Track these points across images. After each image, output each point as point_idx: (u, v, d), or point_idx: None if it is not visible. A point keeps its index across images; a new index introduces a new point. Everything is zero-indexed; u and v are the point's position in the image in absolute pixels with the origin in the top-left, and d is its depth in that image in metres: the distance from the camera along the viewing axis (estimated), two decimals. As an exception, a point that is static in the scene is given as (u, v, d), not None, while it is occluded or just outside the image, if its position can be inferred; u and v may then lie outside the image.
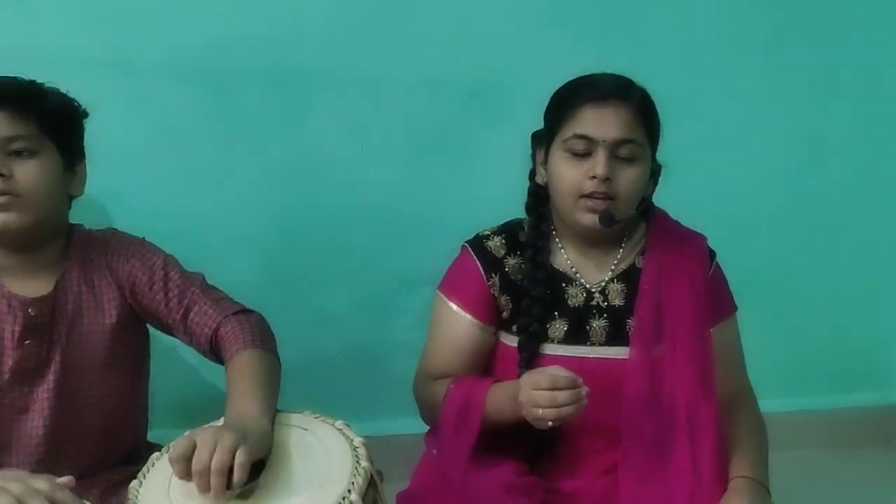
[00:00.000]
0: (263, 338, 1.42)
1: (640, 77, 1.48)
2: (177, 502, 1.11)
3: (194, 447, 1.10)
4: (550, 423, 1.27)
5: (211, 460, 1.08)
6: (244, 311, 1.46)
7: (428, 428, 1.53)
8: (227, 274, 1.84)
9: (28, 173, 1.35)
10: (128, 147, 1.84)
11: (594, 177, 1.37)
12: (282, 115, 1.97)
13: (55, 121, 1.40)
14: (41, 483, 1.08)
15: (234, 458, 1.08)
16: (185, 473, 1.10)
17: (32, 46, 1.75)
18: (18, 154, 1.35)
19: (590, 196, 1.38)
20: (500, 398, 1.37)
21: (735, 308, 1.55)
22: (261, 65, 1.93)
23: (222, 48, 1.90)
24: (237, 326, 1.41)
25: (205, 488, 1.08)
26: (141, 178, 1.88)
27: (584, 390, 1.26)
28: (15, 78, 1.39)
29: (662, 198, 1.57)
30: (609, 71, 1.48)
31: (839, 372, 2.39)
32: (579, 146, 1.39)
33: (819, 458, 2.27)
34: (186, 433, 1.15)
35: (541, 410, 1.26)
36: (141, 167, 1.88)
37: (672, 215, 1.56)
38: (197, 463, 1.08)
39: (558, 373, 1.28)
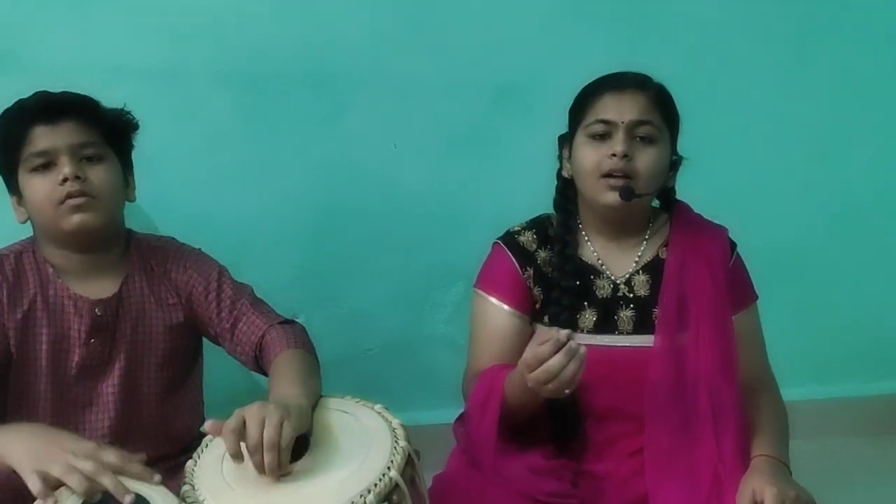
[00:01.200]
0: (305, 342, 1.51)
1: (664, 72, 1.53)
2: (229, 478, 1.18)
3: (244, 423, 1.15)
4: (567, 391, 1.30)
5: (262, 436, 1.13)
6: (288, 322, 1.55)
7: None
8: (270, 271, 1.93)
9: (99, 176, 1.45)
10: (176, 152, 1.91)
11: (614, 155, 1.44)
12: (319, 118, 2.03)
13: (115, 131, 1.51)
14: (111, 457, 1.16)
15: (281, 432, 1.14)
16: (237, 448, 1.15)
17: (88, 60, 1.83)
18: (89, 160, 1.44)
19: (610, 175, 1.45)
20: (515, 385, 1.39)
21: (756, 297, 1.59)
22: (299, 71, 2.00)
23: (263, 56, 1.97)
24: (281, 333, 1.50)
25: (259, 464, 1.13)
26: (188, 181, 1.95)
27: (574, 343, 1.28)
28: (74, 92, 1.49)
29: (687, 191, 1.62)
30: (633, 68, 1.53)
31: (866, 359, 2.40)
32: (600, 129, 1.47)
33: (847, 446, 2.28)
34: (235, 411, 1.21)
35: (550, 385, 1.29)
36: (188, 171, 1.95)
37: (697, 208, 1.61)
38: (249, 439, 1.14)
39: (540, 348, 1.29)
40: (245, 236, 2.00)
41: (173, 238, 1.64)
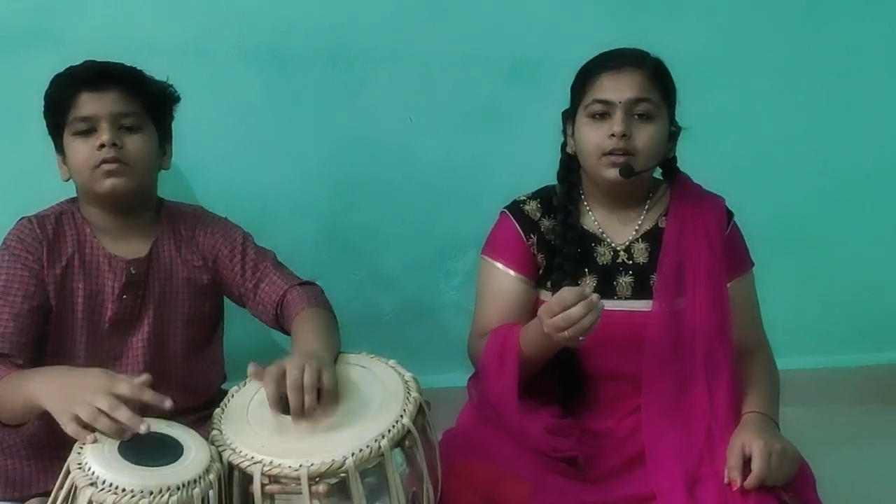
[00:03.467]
0: (323, 302, 1.61)
1: (672, 46, 1.59)
2: (254, 423, 1.29)
3: (283, 373, 1.26)
4: (581, 338, 1.38)
5: (303, 379, 1.24)
6: (307, 283, 1.65)
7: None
8: (292, 239, 2.00)
9: (135, 145, 1.54)
10: (202, 125, 1.93)
11: (613, 135, 1.51)
12: (338, 93, 2.08)
13: (156, 103, 1.60)
14: (124, 387, 1.24)
15: (319, 377, 1.25)
16: (276, 393, 1.25)
17: (120, 36, 1.89)
18: (128, 129, 1.53)
19: (611, 153, 1.52)
20: (532, 335, 1.49)
21: (751, 264, 1.66)
22: (319, 49, 2.05)
23: (286, 34, 2.03)
24: (301, 293, 1.59)
25: (298, 404, 1.22)
26: (214, 153, 2.00)
27: (595, 297, 1.36)
28: (121, 63, 1.58)
29: (693, 162, 1.67)
30: (643, 42, 1.59)
31: (871, 329, 2.42)
32: (599, 109, 1.53)
33: (850, 414, 2.31)
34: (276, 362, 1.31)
35: (566, 332, 1.37)
36: (214, 143, 2.00)
37: (703, 178, 1.66)
38: (292, 380, 1.23)
39: (565, 294, 1.37)
40: (267, 206, 2.07)
41: (201, 206, 1.74)
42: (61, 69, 1.59)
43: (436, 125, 2.14)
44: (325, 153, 2.11)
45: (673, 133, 1.61)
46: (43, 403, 1.28)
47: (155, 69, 1.64)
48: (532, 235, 1.62)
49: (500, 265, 1.62)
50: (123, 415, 1.21)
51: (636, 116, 1.53)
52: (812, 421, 1.95)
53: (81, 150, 1.52)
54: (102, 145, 1.50)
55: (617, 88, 1.53)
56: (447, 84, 2.12)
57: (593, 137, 1.54)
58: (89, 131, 1.52)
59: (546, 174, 1.71)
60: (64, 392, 1.26)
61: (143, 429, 1.21)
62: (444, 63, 2.11)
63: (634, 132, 1.52)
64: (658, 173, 1.67)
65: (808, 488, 1.46)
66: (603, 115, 1.54)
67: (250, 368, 1.32)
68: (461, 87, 2.13)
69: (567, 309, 1.36)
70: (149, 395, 1.26)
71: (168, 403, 1.26)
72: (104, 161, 1.51)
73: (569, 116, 1.63)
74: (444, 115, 2.14)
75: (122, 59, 1.61)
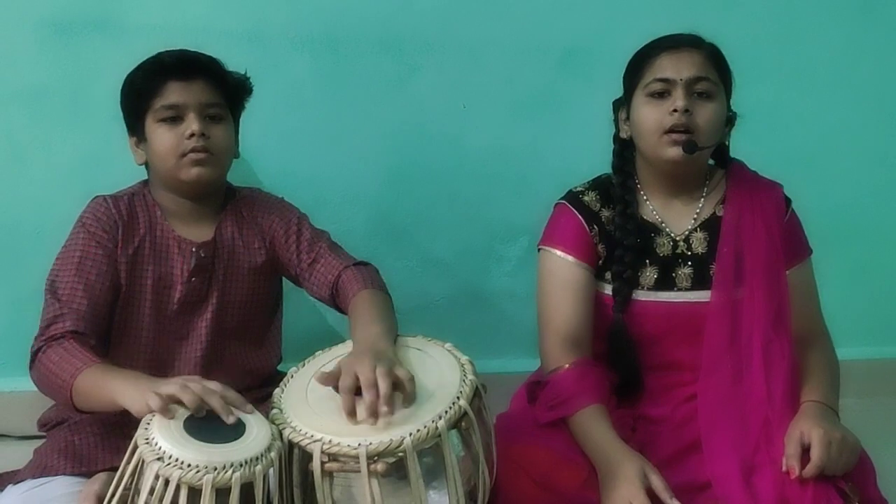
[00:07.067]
0: (379, 282, 1.62)
1: (727, 35, 1.57)
2: (313, 404, 1.31)
3: (356, 379, 1.25)
4: None
5: (377, 391, 1.23)
6: (362, 263, 1.66)
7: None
8: (344, 225, 2.03)
9: (220, 135, 1.56)
10: (255, 112, 1.91)
11: (675, 111, 1.49)
12: (390, 79, 2.10)
13: (235, 94, 1.62)
14: (214, 384, 1.28)
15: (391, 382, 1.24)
16: (352, 406, 1.24)
17: (177, 24, 1.94)
18: (212, 118, 1.56)
19: (672, 130, 1.50)
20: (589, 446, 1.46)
21: (810, 252, 1.63)
22: (371, 35, 2.07)
23: (337, 18, 2.04)
24: (357, 273, 1.61)
25: (373, 413, 1.22)
26: (266, 141, 2.02)
27: None
28: (206, 54, 1.60)
29: (752, 153, 1.65)
30: (697, 31, 1.58)
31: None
32: (658, 87, 1.52)
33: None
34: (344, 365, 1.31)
35: None
36: (266, 130, 2.00)
37: (761, 166, 1.65)
38: (369, 396, 1.22)
39: None
40: (319, 192, 2.09)
41: (258, 188, 1.76)
42: (122, 55, 1.62)
43: (487, 113, 2.15)
44: (377, 140, 2.13)
45: (729, 118, 1.60)
46: (123, 401, 1.30)
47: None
48: (594, 226, 1.61)
49: (559, 252, 1.61)
50: (216, 402, 1.24)
51: (696, 95, 1.52)
52: (871, 412, 1.92)
53: (167, 137, 1.54)
54: (192, 134, 1.52)
55: (677, 67, 1.52)
56: (499, 72, 2.13)
57: (654, 115, 1.52)
58: (175, 119, 1.54)
59: (597, 162, 1.70)
60: (147, 385, 1.28)
61: (231, 419, 1.23)
62: (496, 51, 2.12)
63: (695, 109, 1.51)
64: (711, 160, 1.65)
65: (868, 479, 1.44)
66: (662, 94, 1.52)
67: (319, 377, 1.32)
68: (513, 74, 2.13)
69: None
70: (234, 396, 1.28)
71: (249, 407, 1.28)
72: (193, 150, 1.53)
73: (622, 104, 1.62)
74: (496, 102, 2.15)
75: (179, 46, 1.62)
